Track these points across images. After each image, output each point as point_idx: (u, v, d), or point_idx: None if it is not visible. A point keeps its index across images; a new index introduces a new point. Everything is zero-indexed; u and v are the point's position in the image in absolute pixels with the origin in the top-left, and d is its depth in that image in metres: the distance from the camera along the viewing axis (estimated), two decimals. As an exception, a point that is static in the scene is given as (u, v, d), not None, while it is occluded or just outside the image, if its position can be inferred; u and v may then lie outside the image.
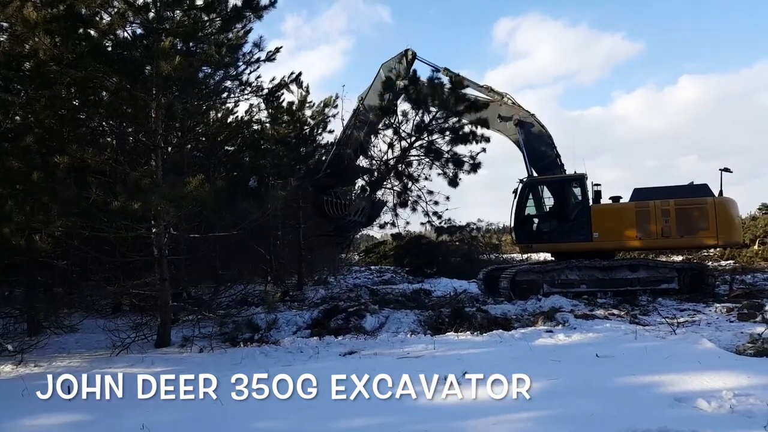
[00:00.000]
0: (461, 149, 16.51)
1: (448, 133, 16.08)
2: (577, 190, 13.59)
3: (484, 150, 16.51)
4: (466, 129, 15.88)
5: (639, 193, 13.16)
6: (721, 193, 12.51)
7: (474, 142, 16.12)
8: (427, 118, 15.74)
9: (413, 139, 16.19)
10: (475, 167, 16.49)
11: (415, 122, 15.94)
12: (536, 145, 14.14)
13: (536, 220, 14.17)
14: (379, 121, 15.46)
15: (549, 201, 14.08)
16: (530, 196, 14.08)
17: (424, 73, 15.07)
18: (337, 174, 15.16)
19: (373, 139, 15.97)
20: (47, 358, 7.53)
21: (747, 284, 14.33)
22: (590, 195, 13.53)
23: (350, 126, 15.37)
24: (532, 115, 14.28)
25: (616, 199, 13.57)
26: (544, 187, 14.13)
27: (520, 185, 14.06)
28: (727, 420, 4.09)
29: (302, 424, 4.47)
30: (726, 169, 12.51)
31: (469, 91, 14.82)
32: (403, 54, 14.89)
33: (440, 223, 19.18)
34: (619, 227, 13.13)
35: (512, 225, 14.13)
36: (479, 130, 15.76)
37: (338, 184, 15.41)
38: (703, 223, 12.36)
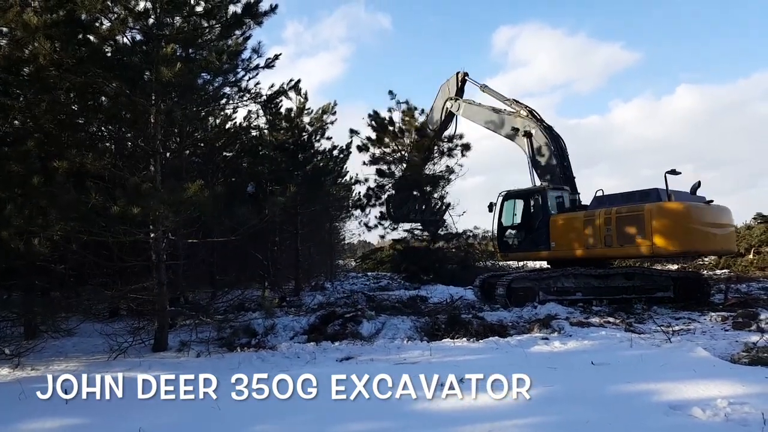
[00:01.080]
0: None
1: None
2: (539, 202, 14.21)
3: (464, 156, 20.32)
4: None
5: (598, 201, 13.34)
6: (669, 197, 12.03)
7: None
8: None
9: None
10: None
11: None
12: (541, 156, 14.49)
13: (512, 231, 15.02)
14: (438, 135, 18.28)
15: (520, 213, 14.91)
16: (507, 209, 15.03)
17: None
18: (407, 177, 18.72)
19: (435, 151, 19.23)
20: (44, 362, 7.52)
21: (742, 293, 14.38)
22: (565, 205, 14.15)
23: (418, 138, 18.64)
24: (546, 127, 14.60)
25: (584, 208, 13.79)
26: (517, 200, 14.97)
27: (500, 198, 14.92)
28: (722, 428, 4.12)
29: (301, 427, 4.48)
30: (672, 172, 12.17)
31: (496, 103, 16.16)
32: (455, 74, 17.05)
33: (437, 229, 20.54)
34: (570, 236, 13.40)
35: (494, 235, 15.26)
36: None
37: (410, 188, 18.83)
38: (640, 231, 12.01)
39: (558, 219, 13.74)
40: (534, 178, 14.77)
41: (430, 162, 20.17)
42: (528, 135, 14.70)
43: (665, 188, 11.95)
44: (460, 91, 17.09)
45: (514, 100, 15.64)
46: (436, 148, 19.70)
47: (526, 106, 15.26)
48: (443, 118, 17.65)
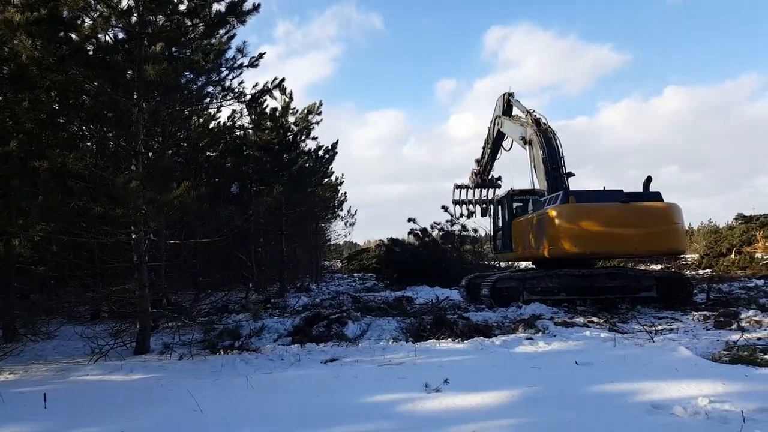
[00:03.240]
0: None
1: None
2: (506, 207, 15.56)
3: None
4: None
5: (539, 204, 13.74)
6: (566, 200, 12.16)
7: None
8: None
9: None
10: None
11: None
12: (537, 162, 14.80)
13: (499, 233, 16.18)
14: (495, 144, 18.72)
15: (500, 217, 16.20)
16: (497, 213, 16.33)
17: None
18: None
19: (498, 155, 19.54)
20: (23, 366, 7.43)
21: (723, 293, 14.56)
22: (532, 209, 14.58)
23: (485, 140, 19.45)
24: (543, 132, 14.89)
25: None
26: (500, 205, 16.22)
27: (492, 203, 16.38)
28: (702, 426, 4.15)
29: (285, 429, 4.44)
30: (569, 174, 12.37)
31: (516, 111, 17.00)
32: (502, 95, 17.95)
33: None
34: (519, 239, 14.21)
35: (491, 237, 16.78)
36: None
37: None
38: (544, 234, 12.29)
39: (514, 223, 14.72)
40: (534, 182, 15.21)
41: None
42: (529, 143, 15.06)
43: (568, 190, 12.31)
44: (507, 110, 17.74)
45: (529, 111, 16.02)
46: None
47: (535, 116, 15.57)
48: (495, 135, 18.39)
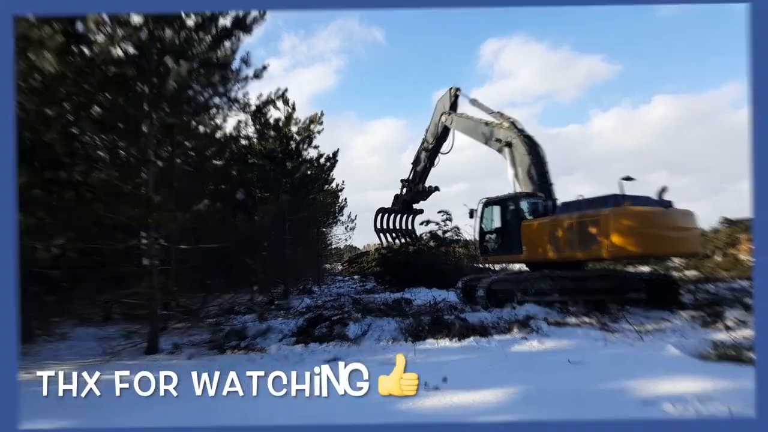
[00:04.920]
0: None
1: None
2: (511, 209, 14.87)
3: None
4: None
5: (564, 207, 13.67)
6: (624, 203, 12.12)
7: None
8: None
9: None
10: None
11: None
12: (520, 165, 14.89)
13: (491, 236, 15.59)
14: (436, 146, 18.80)
15: (498, 219, 15.48)
16: (487, 215, 15.61)
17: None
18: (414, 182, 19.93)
19: (436, 161, 19.59)
20: (38, 366, 7.61)
21: (710, 293, 14.84)
22: (538, 211, 14.54)
23: (419, 149, 19.42)
24: (526, 137, 15.03)
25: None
26: (494, 207, 15.49)
27: (480, 205, 15.56)
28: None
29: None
30: (627, 178, 12.41)
31: (485, 116, 16.64)
32: (449, 90, 17.88)
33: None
34: (538, 240, 13.83)
35: (476, 240, 16.00)
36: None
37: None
38: (598, 235, 12.20)
39: (528, 225, 14.24)
40: (514, 185, 15.25)
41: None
42: (509, 145, 15.16)
43: (621, 194, 12.24)
44: (453, 106, 17.74)
45: (499, 112, 16.13)
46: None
47: (509, 118, 15.72)
48: (440, 132, 18.20)
